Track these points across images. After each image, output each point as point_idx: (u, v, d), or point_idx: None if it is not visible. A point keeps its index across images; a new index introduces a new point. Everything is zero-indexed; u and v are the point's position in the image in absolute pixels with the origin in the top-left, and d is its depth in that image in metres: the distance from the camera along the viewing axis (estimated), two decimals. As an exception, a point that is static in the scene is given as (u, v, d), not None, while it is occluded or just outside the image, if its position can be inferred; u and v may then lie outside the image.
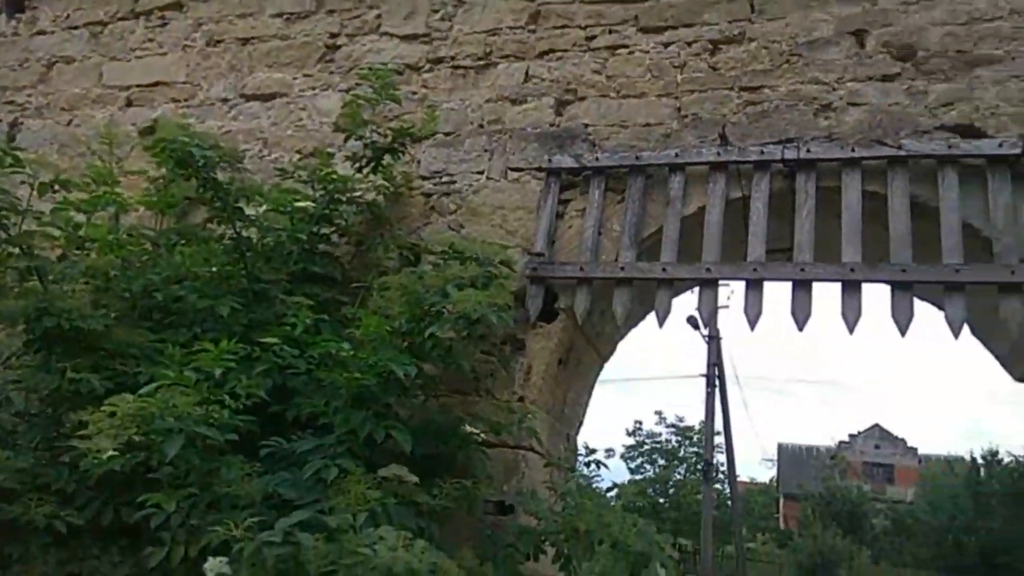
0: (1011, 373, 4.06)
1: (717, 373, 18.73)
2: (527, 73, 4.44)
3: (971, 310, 3.45)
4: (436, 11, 4.74)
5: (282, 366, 3.30)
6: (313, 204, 3.99)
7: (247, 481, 2.80)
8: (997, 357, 4.10)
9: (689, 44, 4.16)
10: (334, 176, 4.07)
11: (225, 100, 5.01)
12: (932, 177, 3.53)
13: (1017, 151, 3.41)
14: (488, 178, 4.32)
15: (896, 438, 38.74)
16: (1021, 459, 23.74)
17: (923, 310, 3.74)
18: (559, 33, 4.44)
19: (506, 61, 4.51)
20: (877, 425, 39.45)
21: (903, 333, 3.40)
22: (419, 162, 4.47)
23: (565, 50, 4.40)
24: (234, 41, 5.10)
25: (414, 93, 4.61)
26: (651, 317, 3.98)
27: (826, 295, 3.65)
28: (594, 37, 4.35)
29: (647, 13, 4.27)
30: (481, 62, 4.55)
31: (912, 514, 28.14)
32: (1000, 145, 3.45)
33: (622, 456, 32.89)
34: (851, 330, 3.48)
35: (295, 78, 4.93)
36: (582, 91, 4.30)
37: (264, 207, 3.93)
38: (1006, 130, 3.53)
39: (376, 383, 3.09)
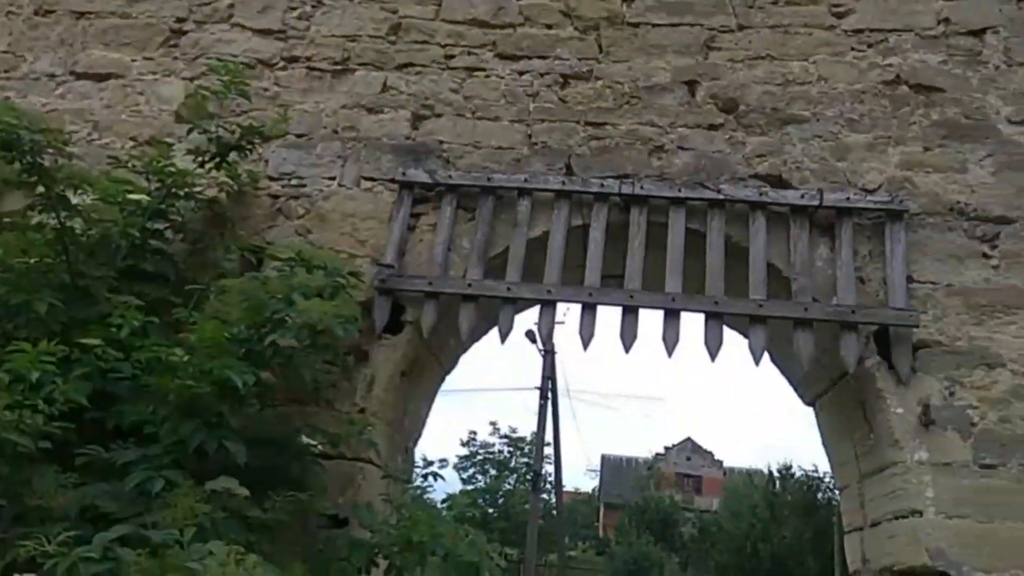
0: (802, 398, 4.60)
1: (550, 386, 19.44)
2: (385, 83, 4.46)
3: (772, 340, 3.90)
4: (294, 8, 4.65)
5: (104, 370, 3.08)
6: (147, 197, 3.76)
7: (61, 492, 2.59)
8: (791, 383, 4.63)
9: (542, 75, 4.38)
10: (172, 168, 3.85)
11: (52, 76, 4.60)
12: (745, 220, 3.96)
13: (815, 203, 3.91)
14: (340, 185, 4.29)
15: (705, 451, 42.00)
16: (810, 473, 26.48)
17: (733, 338, 4.18)
18: (419, 48, 4.51)
19: (364, 68, 4.51)
20: (689, 439, 42.56)
21: (713, 358, 3.77)
22: (267, 162, 4.35)
23: (424, 65, 4.47)
24: (67, 13, 4.70)
25: (266, 90, 4.49)
26: (493, 332, 4.12)
27: (652, 320, 3.98)
28: (453, 56, 4.47)
29: (505, 40, 4.45)
30: (338, 66, 4.52)
31: (716, 523, 30.49)
32: (802, 196, 3.93)
33: (455, 466, 33.15)
34: (670, 354, 3.82)
35: (134, 60, 4.63)
36: (439, 108, 4.39)
37: (92, 196, 3.65)
38: (808, 183, 4.03)
39: (210, 391, 2.97)
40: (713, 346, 3.79)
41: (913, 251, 3.82)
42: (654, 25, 4.39)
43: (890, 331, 3.68)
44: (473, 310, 3.93)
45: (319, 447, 3.47)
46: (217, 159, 4.03)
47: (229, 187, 4.14)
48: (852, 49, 4.24)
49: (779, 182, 4.06)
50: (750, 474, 32.61)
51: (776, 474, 27.65)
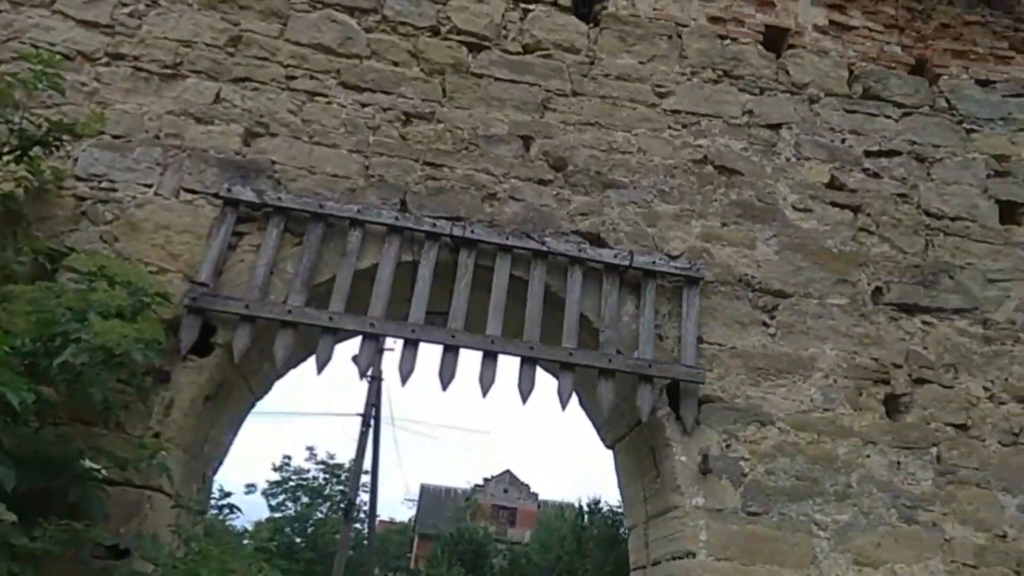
0: (603, 441, 4.90)
1: (374, 413, 19.10)
2: (218, 95, 4.31)
3: (581, 385, 4.15)
4: (126, 5, 4.39)
5: None
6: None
7: None
8: (595, 426, 4.93)
9: (385, 110, 4.43)
10: (-39, 156, 3.49)
11: None
12: (564, 272, 4.20)
13: (626, 263, 4.23)
14: (157, 194, 4.06)
15: (523, 484, 42.94)
16: (615, 508, 27.81)
17: (549, 380, 4.39)
18: (258, 64, 4.41)
19: (197, 76, 4.33)
20: (508, 471, 43.37)
21: (524, 400, 3.95)
22: (76, 160, 4.04)
23: (263, 83, 4.37)
24: None
25: (84, 85, 4.18)
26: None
27: (473, 359, 4.10)
28: (295, 78, 4.41)
29: (350, 71, 4.47)
30: (168, 70, 4.31)
31: (526, 555, 31.13)
32: (615, 256, 4.24)
33: (264, 492, 31.50)
34: (484, 394, 3.95)
35: (-73, 30, 4.14)
36: (275, 127, 4.30)
37: None
38: (621, 244, 4.36)
39: (-22, 407, 2.68)
40: (526, 389, 3.97)
41: (705, 315, 4.24)
42: (496, 79, 4.59)
43: (680, 385, 4.04)
44: (291, 337, 3.85)
45: (103, 472, 3.22)
46: (18, 152, 3.69)
47: (29, 183, 3.80)
48: (669, 127, 4.68)
49: (597, 240, 4.36)
50: (562, 507, 33.67)
51: (586, 508, 28.77)
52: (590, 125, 4.61)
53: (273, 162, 4.23)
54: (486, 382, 3.96)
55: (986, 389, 4.29)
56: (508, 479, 43.00)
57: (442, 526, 34.30)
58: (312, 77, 4.42)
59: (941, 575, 3.83)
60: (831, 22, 5.07)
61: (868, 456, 4.05)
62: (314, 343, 3.95)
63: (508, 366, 4.08)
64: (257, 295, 3.87)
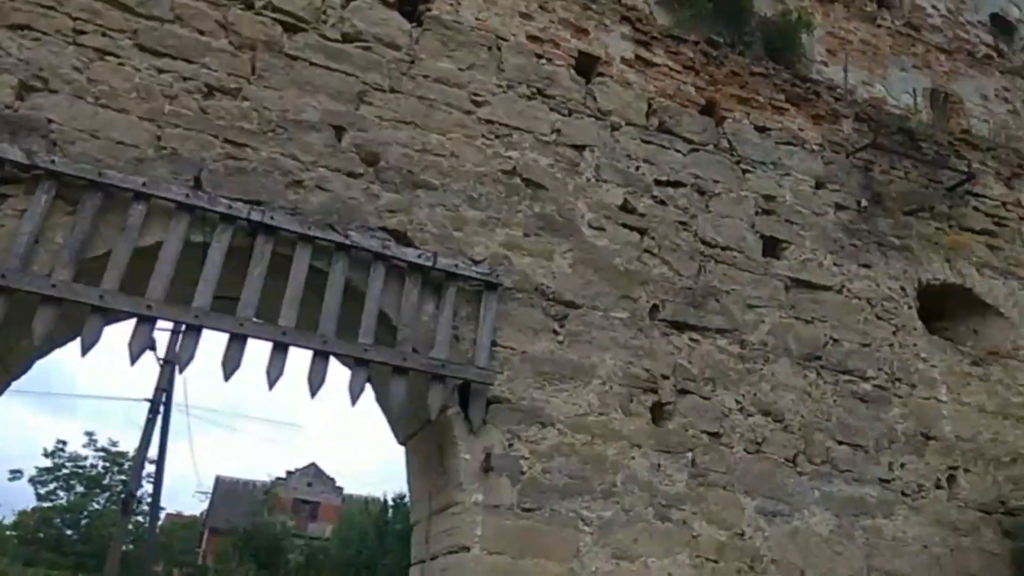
0: (396, 437, 4.93)
1: (164, 399, 17.75)
2: (-10, 39, 3.85)
3: (376, 381, 4.15)
4: None
5: None
6: None
7: None
8: (389, 422, 4.95)
9: (185, 79, 4.18)
10: None
11: None
12: (367, 268, 4.19)
13: (430, 264, 4.30)
14: (-101, 141, 3.55)
15: (328, 477, 41.84)
16: (418, 503, 27.90)
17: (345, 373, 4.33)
18: (42, 12, 4.00)
19: (-35, 14, 3.84)
20: (313, 464, 42.07)
21: (313, 394, 3.89)
22: None
23: (45, 33, 3.97)
24: None
25: None
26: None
27: (263, 349, 3.96)
28: (84, 33, 4.04)
29: (148, 33, 4.16)
30: (-72, 2, 3.78)
31: (325, 550, 30.39)
32: (420, 256, 4.29)
33: (32, 479, 28.30)
34: (271, 386, 3.84)
35: None
36: (55, 83, 3.91)
37: None
38: (427, 245, 4.43)
39: None
40: (315, 383, 3.92)
41: (501, 319, 4.41)
42: (312, 63, 4.49)
43: (471, 386, 4.18)
44: (52, 313, 3.52)
45: None
46: None
47: None
48: (483, 136, 4.82)
49: (403, 239, 4.39)
50: (367, 501, 33.25)
51: (391, 502, 28.64)
52: (406, 123, 4.64)
53: (50, 121, 3.84)
54: (273, 374, 3.85)
55: (737, 402, 4.83)
56: (313, 472, 41.71)
57: (237, 520, 32.54)
58: (104, 34, 4.07)
59: (686, 568, 4.26)
60: (637, 56, 5.48)
61: (634, 458, 4.42)
62: (81, 322, 3.63)
63: (303, 359, 4.01)
64: (16, 264, 3.49)
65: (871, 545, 4.73)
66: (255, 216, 4.01)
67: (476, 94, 4.88)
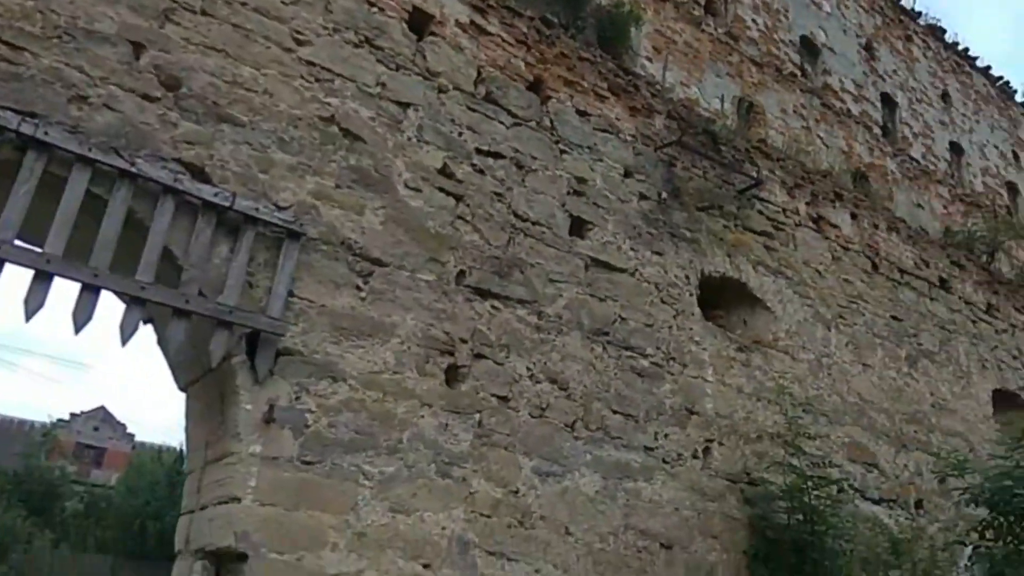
0: (177, 383, 4.68)
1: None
2: None
3: (156, 323, 3.90)
4: None
5: None
6: None
7: None
8: (169, 366, 4.68)
9: (-50, -39, 3.63)
10: None
11: None
12: (154, 200, 3.91)
13: (227, 204, 4.08)
14: None
15: (118, 423, 38.91)
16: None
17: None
18: None
19: None
20: (103, 407, 38.95)
21: (77, 331, 3.60)
22: None
23: None
24: None
25: None
26: None
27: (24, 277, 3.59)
28: None
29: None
30: None
31: (109, 498, 28.43)
32: (216, 194, 4.07)
33: None
34: (28, 318, 3.50)
35: None
36: None
37: None
38: (227, 183, 4.20)
39: None
40: (81, 319, 3.62)
41: (301, 270, 4.30)
42: (111, -31, 4.06)
43: (261, 335, 4.05)
44: None
45: None
46: None
47: None
48: (301, 77, 4.62)
49: (200, 174, 4.14)
50: (160, 450, 31.42)
51: (186, 452, 27.22)
52: (215, 51, 4.34)
53: None
54: (32, 305, 3.51)
55: (528, 369, 5.07)
56: (101, 416, 38.59)
57: (8, 463, 29.46)
58: None
59: (460, 522, 4.45)
60: (472, 22, 5.48)
61: (423, 417, 4.52)
62: None
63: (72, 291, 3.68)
64: None
65: (630, 506, 5.19)
66: (26, 129, 3.60)
67: (299, 32, 4.66)
